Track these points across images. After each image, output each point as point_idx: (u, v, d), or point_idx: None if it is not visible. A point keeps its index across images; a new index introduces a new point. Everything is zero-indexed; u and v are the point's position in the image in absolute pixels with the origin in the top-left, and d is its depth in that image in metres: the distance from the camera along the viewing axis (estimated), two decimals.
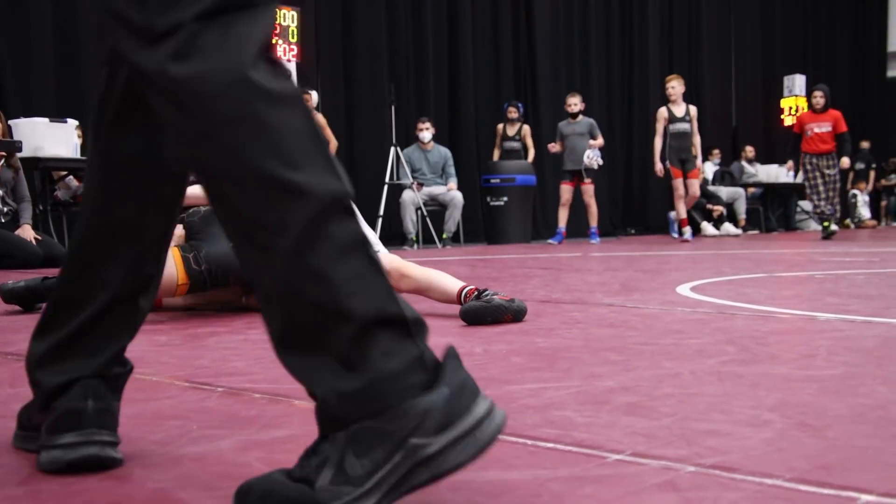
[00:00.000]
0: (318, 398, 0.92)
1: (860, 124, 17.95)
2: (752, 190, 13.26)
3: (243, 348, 2.21)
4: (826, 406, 1.44)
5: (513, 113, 10.37)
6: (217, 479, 1.08)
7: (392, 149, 9.46)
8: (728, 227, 11.74)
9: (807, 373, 1.74)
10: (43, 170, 6.69)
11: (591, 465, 1.12)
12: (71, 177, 7.37)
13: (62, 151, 6.64)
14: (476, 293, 2.70)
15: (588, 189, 9.68)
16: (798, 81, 14.65)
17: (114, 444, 1.13)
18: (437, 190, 9.66)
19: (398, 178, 9.57)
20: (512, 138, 10.41)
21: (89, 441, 1.10)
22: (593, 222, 9.87)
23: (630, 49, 14.13)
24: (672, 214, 9.66)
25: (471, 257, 7.15)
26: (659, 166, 9.63)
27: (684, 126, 9.38)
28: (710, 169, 12.81)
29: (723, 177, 12.83)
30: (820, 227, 9.64)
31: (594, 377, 1.72)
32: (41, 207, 6.66)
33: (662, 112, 9.56)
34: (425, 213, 9.43)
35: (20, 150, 6.17)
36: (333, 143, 8.88)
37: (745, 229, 12.44)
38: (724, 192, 12.37)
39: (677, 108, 9.42)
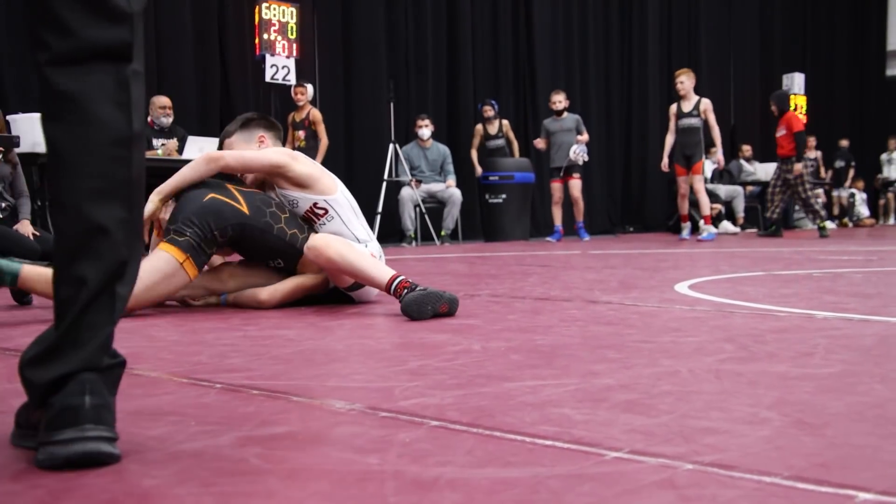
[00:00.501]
0: None
1: (859, 123, 17.99)
2: (750, 188, 13.27)
3: (241, 345, 2.21)
4: (824, 404, 1.44)
5: (489, 111, 10.32)
6: (215, 476, 1.08)
7: (391, 146, 9.45)
8: (726, 225, 11.73)
9: (805, 371, 1.74)
10: (41, 165, 6.68)
11: (590, 462, 1.12)
12: None
13: None
14: (407, 288, 2.74)
15: (575, 184, 9.69)
16: (797, 80, 14.66)
17: (112, 439, 1.13)
18: (435, 187, 9.66)
19: (397, 176, 9.57)
20: (495, 136, 10.39)
21: (87, 437, 1.10)
22: (580, 217, 9.91)
23: (629, 47, 14.13)
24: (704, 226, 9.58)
25: (469, 255, 7.15)
26: (664, 162, 9.60)
27: (691, 121, 9.29)
28: (708, 167, 12.80)
29: (721, 175, 12.83)
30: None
31: (592, 375, 1.72)
32: (39, 203, 6.65)
33: (672, 108, 9.53)
34: (424, 211, 9.43)
35: (18, 145, 6.16)
36: (324, 143, 8.87)
37: (743, 227, 12.45)
38: (722, 190, 12.38)
39: (686, 102, 9.35)
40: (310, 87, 8.82)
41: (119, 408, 1.42)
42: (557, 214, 9.93)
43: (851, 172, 15.45)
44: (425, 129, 9.64)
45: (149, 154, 7.52)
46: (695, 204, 9.62)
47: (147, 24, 8.47)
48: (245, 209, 3.02)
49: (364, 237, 3.18)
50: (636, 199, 14.03)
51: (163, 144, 7.63)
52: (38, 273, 2.75)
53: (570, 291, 3.60)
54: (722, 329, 2.38)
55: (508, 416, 1.37)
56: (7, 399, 1.52)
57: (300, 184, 3.12)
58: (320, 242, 2.90)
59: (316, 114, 8.85)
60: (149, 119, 7.85)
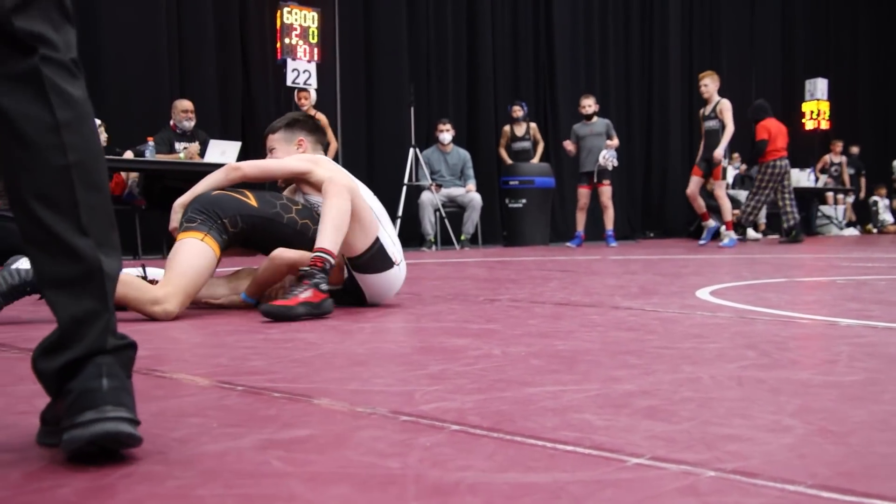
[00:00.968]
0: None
1: (883, 127, 17.82)
2: None
3: (263, 347, 2.22)
4: (848, 412, 1.43)
5: (518, 112, 10.32)
6: (238, 478, 1.09)
7: (411, 150, 9.47)
8: (748, 231, 11.66)
9: (828, 378, 1.73)
10: None
11: (611, 468, 1.12)
12: None
13: None
14: (304, 272, 2.84)
15: (605, 191, 9.63)
16: (820, 85, 14.55)
17: (132, 421, 1.13)
18: (455, 192, 9.67)
19: (417, 180, 9.58)
20: (522, 138, 10.38)
21: (107, 417, 1.10)
22: (610, 225, 9.83)
23: (650, 51, 14.08)
24: (714, 225, 9.53)
25: (489, 259, 7.14)
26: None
27: (710, 124, 9.22)
28: (730, 173, 12.74)
29: (743, 181, 12.75)
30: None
31: (613, 380, 1.72)
32: None
33: (700, 112, 9.52)
34: (444, 215, 9.43)
35: None
36: (333, 146, 8.92)
37: (765, 234, 12.36)
38: (744, 196, 12.29)
39: (709, 106, 9.31)
40: (313, 92, 8.87)
41: (142, 409, 1.43)
42: (581, 220, 9.88)
43: (863, 180, 15.31)
44: (446, 134, 9.65)
45: (171, 157, 7.58)
46: (716, 210, 9.56)
47: (170, 28, 8.56)
48: (253, 202, 3.08)
49: (397, 256, 3.20)
50: (656, 205, 13.97)
51: (185, 148, 7.68)
52: None
53: (590, 297, 3.59)
54: (744, 335, 2.36)
55: (529, 420, 1.37)
56: (32, 399, 1.53)
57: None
58: (335, 186, 2.96)
59: (322, 117, 8.90)
60: (171, 123, 7.91)
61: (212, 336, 2.46)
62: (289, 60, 8.93)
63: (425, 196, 9.37)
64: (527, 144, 10.38)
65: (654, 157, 13.97)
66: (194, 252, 2.91)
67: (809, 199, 13.90)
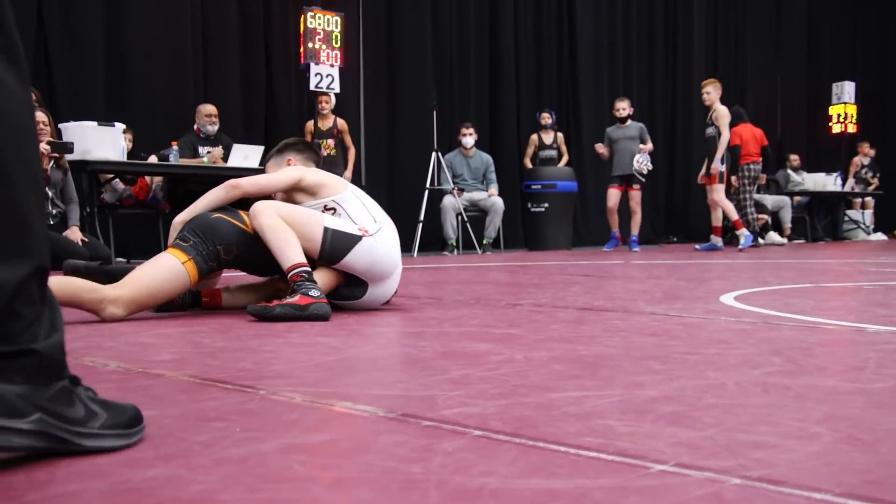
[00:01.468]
0: None
1: None
2: (798, 198, 13.06)
3: (285, 351, 2.23)
4: (876, 420, 1.41)
5: (546, 119, 10.34)
6: (260, 482, 1.09)
7: (433, 154, 9.48)
8: (773, 236, 11.55)
9: (855, 385, 1.71)
10: (90, 172, 6.81)
11: (635, 475, 1.11)
12: (117, 179, 7.51)
13: (109, 154, 6.76)
14: (296, 283, 2.94)
15: (635, 195, 9.61)
16: (847, 88, 14.41)
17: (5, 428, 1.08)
18: (477, 196, 9.66)
19: (439, 184, 9.59)
20: (549, 146, 10.38)
21: None
22: (635, 230, 9.79)
23: (674, 55, 14.02)
24: (738, 232, 9.47)
25: (511, 263, 7.13)
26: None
27: (709, 131, 9.30)
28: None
29: (768, 185, 12.65)
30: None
31: (636, 386, 1.70)
32: (88, 209, 6.78)
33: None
34: (466, 219, 9.43)
35: (72, 151, 6.30)
36: (352, 151, 8.95)
37: (790, 238, 12.25)
38: (769, 200, 12.20)
39: (709, 113, 9.35)
40: (333, 96, 8.90)
41: (165, 413, 1.44)
42: (614, 221, 9.82)
43: (876, 182, 15.14)
44: (469, 138, 9.65)
45: (195, 162, 7.63)
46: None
47: (194, 32, 8.62)
48: (249, 228, 3.15)
49: (371, 227, 3.21)
50: (680, 209, 13.90)
51: (208, 152, 7.73)
52: (57, 283, 2.75)
53: (613, 301, 3.57)
54: (769, 341, 2.34)
55: (552, 426, 1.36)
56: None
57: (314, 192, 3.28)
58: (258, 207, 3.06)
59: (343, 123, 8.92)
60: (195, 127, 7.97)
61: (235, 340, 2.47)
62: (312, 65, 8.96)
63: (447, 200, 9.37)
64: (553, 153, 10.38)
65: (677, 162, 13.90)
66: (167, 268, 2.98)
67: (835, 204, 13.75)
